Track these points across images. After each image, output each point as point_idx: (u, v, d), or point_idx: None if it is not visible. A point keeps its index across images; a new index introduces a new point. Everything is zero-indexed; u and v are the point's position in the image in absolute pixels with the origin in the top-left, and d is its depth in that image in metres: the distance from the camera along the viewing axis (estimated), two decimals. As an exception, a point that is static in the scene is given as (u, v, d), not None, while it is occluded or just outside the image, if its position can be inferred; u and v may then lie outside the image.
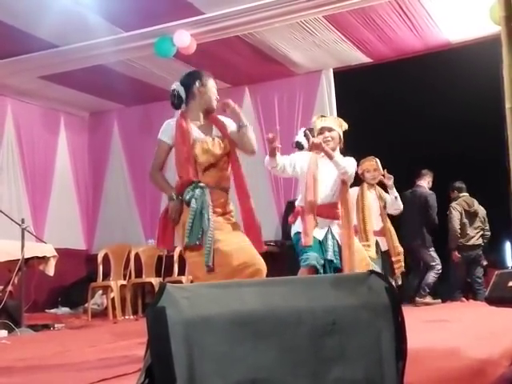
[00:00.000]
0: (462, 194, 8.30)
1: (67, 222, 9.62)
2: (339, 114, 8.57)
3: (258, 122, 8.97)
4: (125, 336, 5.10)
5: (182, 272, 8.04)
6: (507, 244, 9.06)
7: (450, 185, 8.48)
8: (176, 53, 7.21)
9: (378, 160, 6.13)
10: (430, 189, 8.21)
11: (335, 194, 4.61)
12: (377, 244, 5.90)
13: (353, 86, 8.35)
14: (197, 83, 3.93)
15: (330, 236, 4.54)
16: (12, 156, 8.99)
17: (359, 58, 8.25)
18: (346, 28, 7.37)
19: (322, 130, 4.66)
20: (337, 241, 4.54)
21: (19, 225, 6.21)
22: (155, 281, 7.88)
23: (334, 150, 4.57)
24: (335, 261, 4.47)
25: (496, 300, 6.37)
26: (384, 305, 2.03)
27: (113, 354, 3.86)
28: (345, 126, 4.80)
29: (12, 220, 6.31)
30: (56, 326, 6.64)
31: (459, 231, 8.16)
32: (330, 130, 4.66)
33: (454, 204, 8.26)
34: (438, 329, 4.95)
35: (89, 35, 7.09)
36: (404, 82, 8.11)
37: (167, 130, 3.80)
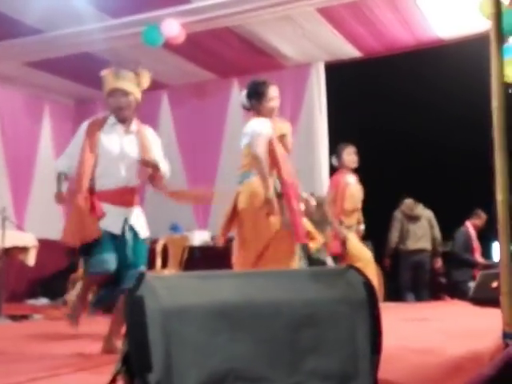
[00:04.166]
0: (404, 201, 8.37)
1: (48, 212, 9.50)
2: (329, 108, 8.58)
3: (247, 115, 8.90)
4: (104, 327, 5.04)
5: (164, 264, 7.99)
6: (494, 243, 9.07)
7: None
8: (164, 42, 7.14)
9: None
10: None
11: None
12: None
13: (343, 81, 8.34)
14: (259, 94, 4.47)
15: None
16: (-6, 142, 8.89)
17: (350, 52, 8.21)
18: (336, 21, 7.33)
19: (113, 93, 3.83)
20: None
21: (0, 214, 6.12)
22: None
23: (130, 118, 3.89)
24: None
25: (480, 300, 6.43)
26: (361, 299, 2.06)
27: (91, 346, 3.81)
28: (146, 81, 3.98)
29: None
30: (35, 316, 6.56)
31: (396, 239, 8.27)
32: (126, 93, 3.83)
33: (395, 212, 8.39)
34: (417, 327, 4.94)
35: (75, 21, 6.99)
36: (395, 77, 8.11)
37: None
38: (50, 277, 9.01)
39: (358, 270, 2.16)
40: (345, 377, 1.97)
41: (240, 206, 4.26)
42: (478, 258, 8.68)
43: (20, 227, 7.68)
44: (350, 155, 6.41)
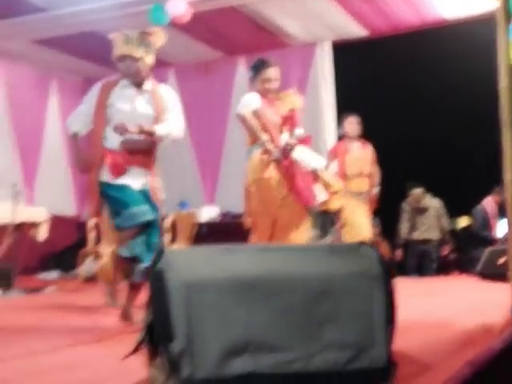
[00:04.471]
0: (412, 192, 8.44)
1: (58, 188, 9.60)
2: (335, 88, 8.59)
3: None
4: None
5: (173, 240, 8.08)
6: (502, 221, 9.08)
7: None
8: (171, 21, 7.16)
9: None
10: None
11: None
12: None
13: (349, 60, 8.33)
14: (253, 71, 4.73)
15: None
16: (3, 118, 8.93)
17: (356, 31, 8.21)
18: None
19: (122, 59, 3.84)
20: None
21: (11, 188, 6.20)
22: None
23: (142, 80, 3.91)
24: None
25: (488, 275, 6.55)
26: (376, 273, 2.12)
27: (106, 317, 3.90)
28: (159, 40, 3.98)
29: (4, 183, 6.29)
30: (47, 289, 6.67)
31: (406, 230, 8.40)
32: (135, 59, 3.81)
33: (403, 203, 8.48)
34: (426, 301, 5.03)
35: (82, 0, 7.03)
36: (401, 57, 8.08)
37: None
38: (60, 251, 9.12)
39: (372, 246, 2.24)
40: (361, 347, 2.04)
41: (247, 183, 4.41)
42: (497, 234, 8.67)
43: (31, 202, 7.77)
44: (350, 124, 6.63)
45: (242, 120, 4.45)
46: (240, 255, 2.11)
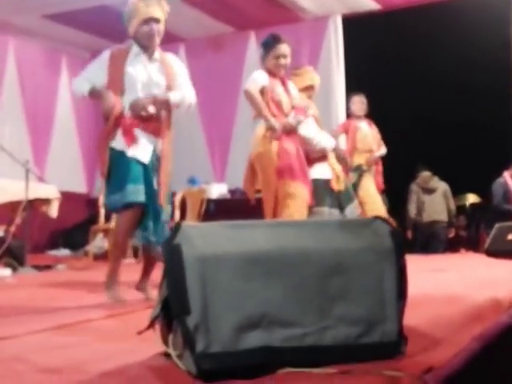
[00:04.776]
0: (420, 174, 8.45)
1: (68, 164, 9.65)
2: (346, 62, 8.56)
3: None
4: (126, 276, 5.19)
5: (183, 217, 8.11)
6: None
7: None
8: (181, -5, 7.14)
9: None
10: None
11: None
12: None
13: (361, 34, 8.26)
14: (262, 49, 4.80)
15: None
16: (13, 95, 8.96)
17: (368, 4, 8.14)
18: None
19: (147, 21, 3.76)
20: None
21: (23, 165, 6.24)
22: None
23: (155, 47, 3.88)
24: None
25: (495, 252, 6.56)
26: (388, 248, 2.13)
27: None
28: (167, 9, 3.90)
29: (16, 160, 6.32)
30: (58, 266, 6.74)
31: (414, 211, 8.38)
32: (158, 21, 3.82)
33: (411, 184, 8.50)
34: (435, 277, 5.05)
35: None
36: (414, 31, 8.01)
37: None
38: (70, 228, 9.19)
39: (385, 221, 2.24)
40: (372, 322, 2.06)
41: (250, 157, 4.52)
42: None
43: (42, 179, 7.81)
44: (355, 104, 6.73)
45: (248, 96, 4.54)
46: (255, 230, 2.13)
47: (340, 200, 5.54)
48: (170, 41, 9.30)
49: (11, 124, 8.80)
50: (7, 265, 6.08)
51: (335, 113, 8.35)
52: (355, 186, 6.40)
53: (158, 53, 3.88)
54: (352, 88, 7.96)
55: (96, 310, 3.33)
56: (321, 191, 5.28)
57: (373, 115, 6.95)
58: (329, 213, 5.35)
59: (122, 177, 3.62)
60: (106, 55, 3.82)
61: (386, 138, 7.02)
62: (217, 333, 1.92)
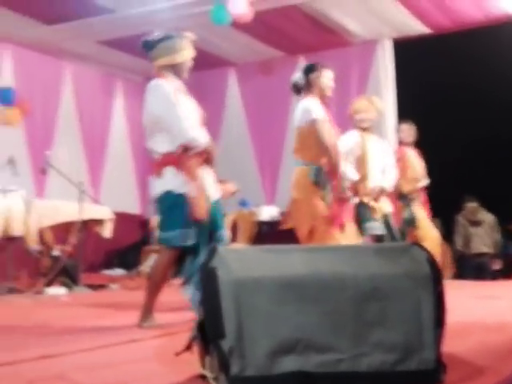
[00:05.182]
0: (467, 205, 8.33)
1: (123, 185, 9.83)
2: (396, 87, 8.52)
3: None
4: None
5: (234, 239, 8.17)
6: None
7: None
8: (232, 20, 7.25)
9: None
10: None
11: None
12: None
13: (411, 58, 8.20)
14: (314, 73, 4.60)
15: None
16: (70, 118, 9.20)
17: (418, 28, 8.11)
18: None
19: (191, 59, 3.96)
20: None
21: (77, 187, 6.40)
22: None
23: None
24: None
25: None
26: (425, 275, 2.12)
27: (167, 315, 3.99)
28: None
29: (70, 182, 6.49)
30: (111, 286, 6.86)
31: (460, 243, 8.31)
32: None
33: (458, 216, 8.38)
34: (486, 304, 4.94)
35: (145, 1, 7.20)
36: (464, 55, 7.87)
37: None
38: (125, 248, 9.33)
39: (422, 247, 2.24)
40: (409, 349, 2.05)
41: (292, 195, 4.48)
42: None
43: (96, 200, 7.98)
44: (403, 132, 6.70)
45: (317, 127, 4.41)
46: (291, 254, 2.15)
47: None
48: (221, 65, 9.47)
49: (68, 146, 9.04)
50: (62, 284, 6.23)
51: (385, 136, 8.30)
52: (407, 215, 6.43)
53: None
54: (402, 113, 7.92)
55: (139, 331, 3.39)
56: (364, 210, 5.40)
57: (423, 141, 6.87)
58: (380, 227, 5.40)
59: (181, 216, 3.60)
60: (166, 89, 3.70)
61: (435, 165, 6.92)
62: (251, 356, 1.95)
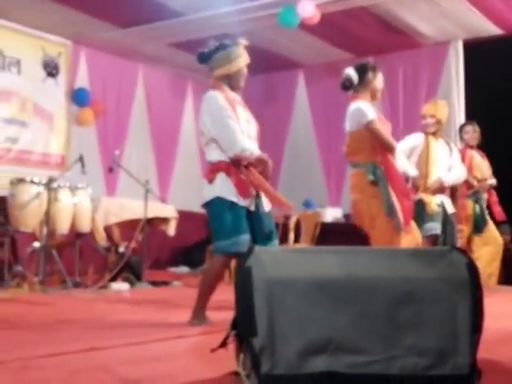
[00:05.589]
0: None
1: (190, 185, 9.97)
2: (466, 88, 8.35)
3: (381, 95, 8.88)
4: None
5: (297, 240, 8.19)
6: None
7: None
8: (300, 22, 7.28)
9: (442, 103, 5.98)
10: None
11: None
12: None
13: (483, 59, 8.01)
14: (370, 73, 4.49)
15: None
16: (141, 118, 9.43)
17: (490, 29, 7.92)
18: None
19: (246, 67, 3.99)
20: None
21: (143, 185, 6.57)
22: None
23: None
24: None
25: None
26: (463, 280, 2.09)
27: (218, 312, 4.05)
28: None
29: (137, 180, 6.65)
30: (174, 283, 6.99)
31: None
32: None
33: None
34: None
35: (215, 4, 7.31)
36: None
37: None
38: (190, 246, 9.48)
39: (462, 251, 2.21)
40: (443, 353, 2.03)
41: (351, 198, 4.51)
42: None
43: (163, 199, 8.15)
44: (466, 134, 6.57)
45: (373, 129, 4.36)
46: (325, 256, 2.17)
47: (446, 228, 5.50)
48: (290, 67, 9.51)
49: (138, 146, 9.27)
50: (126, 279, 6.41)
51: (454, 141, 8.14)
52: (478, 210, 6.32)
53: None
54: (472, 115, 7.74)
55: (188, 328, 3.47)
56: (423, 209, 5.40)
57: (491, 144, 6.71)
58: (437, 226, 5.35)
59: (236, 225, 3.62)
60: (219, 99, 3.73)
61: (503, 169, 6.76)
62: (282, 355, 1.98)
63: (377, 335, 2.03)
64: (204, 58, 3.93)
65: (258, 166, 3.64)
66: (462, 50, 8.40)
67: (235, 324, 2.11)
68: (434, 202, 5.48)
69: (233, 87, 3.88)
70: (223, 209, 3.63)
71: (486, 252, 6.26)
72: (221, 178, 3.66)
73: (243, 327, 2.02)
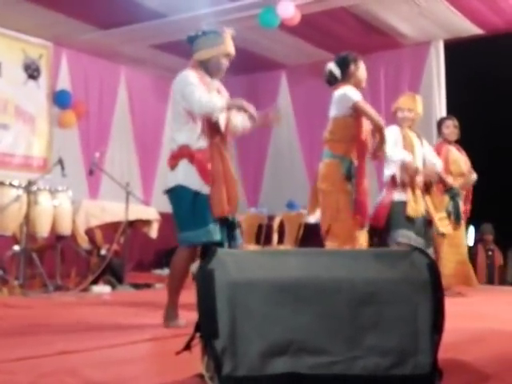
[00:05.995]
0: None
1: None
2: (447, 87, 8.39)
3: (363, 95, 8.90)
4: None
5: (280, 241, 8.21)
6: None
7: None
8: (280, 23, 7.29)
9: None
10: None
11: None
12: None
13: (463, 59, 8.06)
14: (352, 65, 4.58)
15: None
16: (124, 120, 9.40)
17: (470, 29, 7.96)
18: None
19: (227, 56, 3.93)
20: None
21: (124, 188, 6.55)
22: (253, 249, 8.06)
23: None
24: None
25: None
26: (424, 280, 2.12)
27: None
28: None
29: (117, 183, 6.64)
30: (157, 285, 6.97)
31: None
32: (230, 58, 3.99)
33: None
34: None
35: (195, 5, 7.31)
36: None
37: None
38: (174, 248, 9.42)
39: (424, 252, 2.23)
40: (404, 353, 2.05)
41: (318, 186, 4.51)
42: None
43: (146, 201, 8.15)
44: (447, 128, 6.52)
45: (361, 108, 4.44)
46: (288, 258, 2.18)
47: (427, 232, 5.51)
48: (272, 68, 9.51)
49: (121, 147, 9.24)
50: (107, 282, 6.39)
51: (436, 139, 8.17)
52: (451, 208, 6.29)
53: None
54: (453, 114, 7.77)
55: (162, 330, 3.47)
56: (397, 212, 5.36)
57: (471, 142, 6.73)
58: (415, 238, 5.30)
59: (203, 214, 3.60)
60: (193, 76, 3.72)
61: (481, 166, 6.78)
62: (244, 357, 1.99)
63: (338, 336, 2.05)
64: (189, 41, 3.94)
65: (240, 110, 3.66)
66: (442, 50, 8.43)
67: (199, 326, 2.12)
68: (419, 210, 5.47)
69: (210, 74, 3.84)
70: (187, 198, 3.59)
71: (452, 252, 6.14)
72: (183, 164, 3.62)
73: (205, 329, 2.03)
